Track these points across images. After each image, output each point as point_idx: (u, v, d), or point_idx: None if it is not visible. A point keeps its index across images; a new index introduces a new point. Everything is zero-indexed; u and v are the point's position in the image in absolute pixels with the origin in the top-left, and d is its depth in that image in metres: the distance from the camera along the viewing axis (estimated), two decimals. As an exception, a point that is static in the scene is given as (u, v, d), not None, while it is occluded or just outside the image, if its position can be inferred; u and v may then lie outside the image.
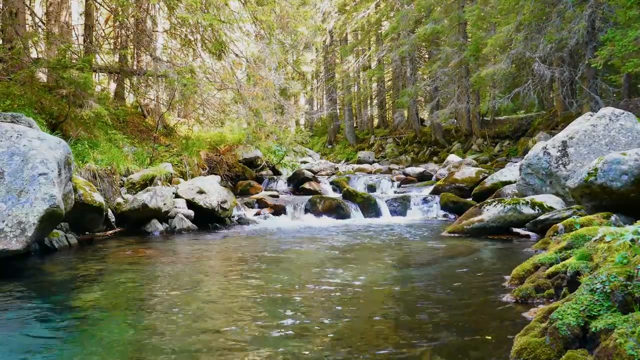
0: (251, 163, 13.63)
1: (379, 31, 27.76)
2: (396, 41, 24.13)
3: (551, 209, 6.79)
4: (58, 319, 3.54)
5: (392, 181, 13.84)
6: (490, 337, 2.90)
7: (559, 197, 7.25)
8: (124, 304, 3.90)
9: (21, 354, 2.88)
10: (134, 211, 7.98)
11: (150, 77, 12.80)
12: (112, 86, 14.98)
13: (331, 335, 3.06)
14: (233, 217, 9.30)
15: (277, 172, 14.51)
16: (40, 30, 12.24)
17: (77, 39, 13.05)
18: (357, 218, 9.87)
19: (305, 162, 18.46)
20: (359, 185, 12.96)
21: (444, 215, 9.71)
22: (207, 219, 8.76)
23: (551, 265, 3.70)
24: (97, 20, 14.34)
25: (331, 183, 13.12)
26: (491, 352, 2.69)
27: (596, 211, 5.55)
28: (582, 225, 4.53)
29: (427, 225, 8.66)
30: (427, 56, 27.39)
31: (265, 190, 12.59)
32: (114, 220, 8.01)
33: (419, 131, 26.02)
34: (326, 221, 9.52)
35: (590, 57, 13.94)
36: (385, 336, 3.04)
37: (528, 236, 6.71)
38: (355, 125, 33.13)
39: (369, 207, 10.16)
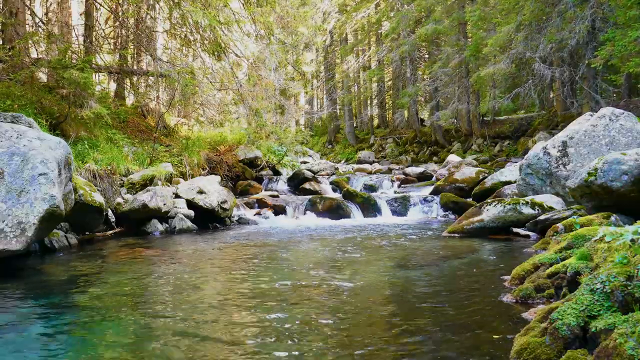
0: (251, 163, 13.61)
1: (379, 31, 27.76)
2: (396, 41, 24.14)
3: (551, 209, 6.78)
4: (58, 319, 3.54)
5: (392, 181, 13.81)
6: (490, 337, 2.90)
7: (559, 197, 7.24)
8: (124, 304, 3.90)
9: (21, 354, 2.88)
10: (134, 211, 7.99)
11: (150, 77, 12.81)
12: (112, 86, 14.99)
13: (330, 335, 3.06)
14: (233, 217, 9.30)
15: (277, 172, 14.48)
16: (40, 30, 12.25)
17: (77, 39, 13.05)
18: (357, 218, 9.87)
19: (305, 162, 18.45)
20: (358, 185, 12.94)
21: (444, 215, 9.70)
22: (207, 219, 8.76)
23: (551, 265, 3.70)
24: (97, 20, 14.34)
25: (331, 183, 13.09)
26: (491, 352, 2.69)
27: (596, 211, 5.55)
28: (582, 225, 4.53)
29: (427, 225, 8.66)
30: (427, 56, 27.40)
31: (265, 190, 12.58)
32: (114, 220, 8.01)
33: (419, 131, 26.04)
34: (326, 221, 9.51)
35: (591, 57, 13.93)
36: (385, 336, 3.04)
37: (528, 236, 6.70)
38: (355, 125, 33.14)
39: (369, 207, 10.15)
